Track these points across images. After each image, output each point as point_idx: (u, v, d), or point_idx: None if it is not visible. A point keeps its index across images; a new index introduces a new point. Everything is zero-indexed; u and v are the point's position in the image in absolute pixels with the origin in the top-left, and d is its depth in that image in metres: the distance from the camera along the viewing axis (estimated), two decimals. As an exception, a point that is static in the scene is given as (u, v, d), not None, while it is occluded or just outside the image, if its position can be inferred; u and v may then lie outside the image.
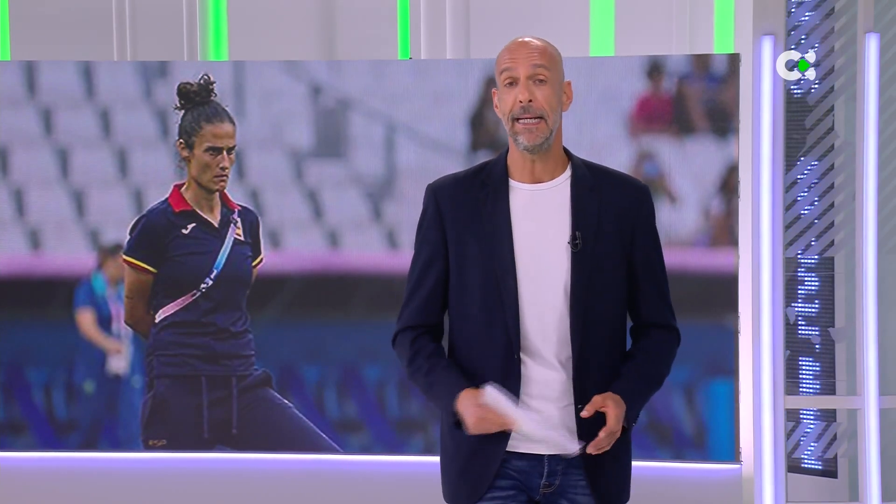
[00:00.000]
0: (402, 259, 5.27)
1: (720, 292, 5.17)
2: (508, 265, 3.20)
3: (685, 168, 5.20)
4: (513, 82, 3.19)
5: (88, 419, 5.47)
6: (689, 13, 5.52)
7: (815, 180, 5.09)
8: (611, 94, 5.20)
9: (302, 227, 5.39)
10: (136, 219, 5.36)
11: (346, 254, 5.38)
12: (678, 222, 5.19)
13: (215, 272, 5.33)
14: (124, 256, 5.35)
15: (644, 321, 3.33)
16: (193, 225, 5.32)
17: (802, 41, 5.05)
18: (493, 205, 3.24)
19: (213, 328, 5.33)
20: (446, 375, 3.24)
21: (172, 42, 5.77)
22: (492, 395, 3.14)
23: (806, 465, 5.18)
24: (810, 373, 5.14)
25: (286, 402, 5.38)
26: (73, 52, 5.69)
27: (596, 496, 3.25)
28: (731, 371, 5.17)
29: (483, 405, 3.14)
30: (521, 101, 3.17)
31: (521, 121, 3.18)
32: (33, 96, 5.43)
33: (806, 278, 5.13)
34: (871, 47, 4.93)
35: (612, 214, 3.25)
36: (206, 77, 5.32)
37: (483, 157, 5.18)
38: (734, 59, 5.15)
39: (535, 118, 3.17)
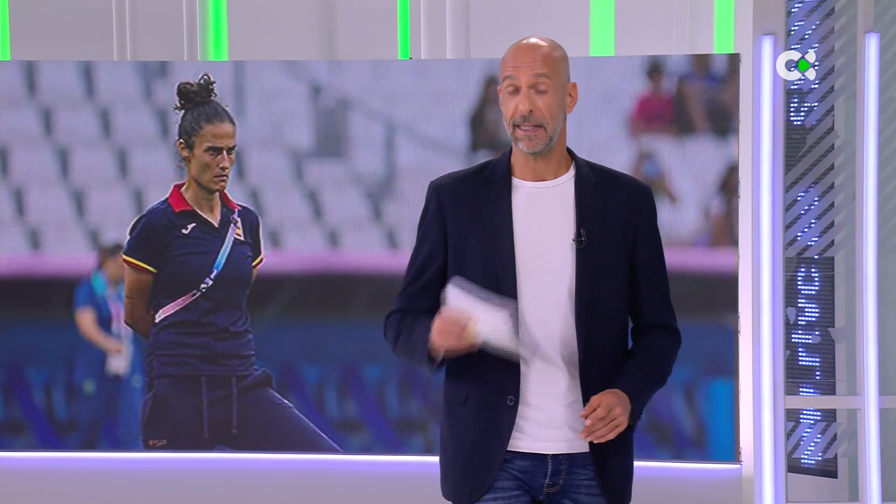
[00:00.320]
0: (402, 259, 5.25)
1: (720, 292, 5.17)
2: (508, 262, 3.21)
3: (685, 168, 5.20)
4: (515, 90, 3.20)
5: (88, 419, 5.47)
6: (689, 13, 5.52)
7: (815, 180, 5.09)
8: (611, 94, 5.20)
9: (302, 227, 5.39)
10: (136, 219, 5.36)
11: (346, 254, 5.38)
12: (678, 222, 5.19)
13: (215, 272, 5.33)
14: (124, 256, 5.35)
15: (645, 321, 3.34)
16: (193, 225, 5.32)
17: (802, 41, 5.05)
18: (495, 202, 3.25)
19: (213, 328, 5.33)
20: (425, 319, 3.22)
21: (172, 42, 5.77)
22: (452, 293, 3.12)
23: (806, 465, 5.18)
24: (810, 373, 5.14)
25: (286, 402, 5.38)
26: (73, 52, 5.69)
27: (605, 495, 3.25)
28: (731, 371, 5.17)
29: (444, 314, 3.12)
30: (521, 111, 3.18)
31: (521, 128, 3.20)
32: (33, 96, 5.43)
33: (806, 278, 5.13)
34: (871, 47, 4.93)
35: (615, 214, 3.26)
36: (206, 77, 5.32)
37: (483, 157, 5.18)
38: (734, 59, 5.15)
39: (534, 126, 3.19)
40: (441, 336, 3.13)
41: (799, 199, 5.10)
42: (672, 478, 5.26)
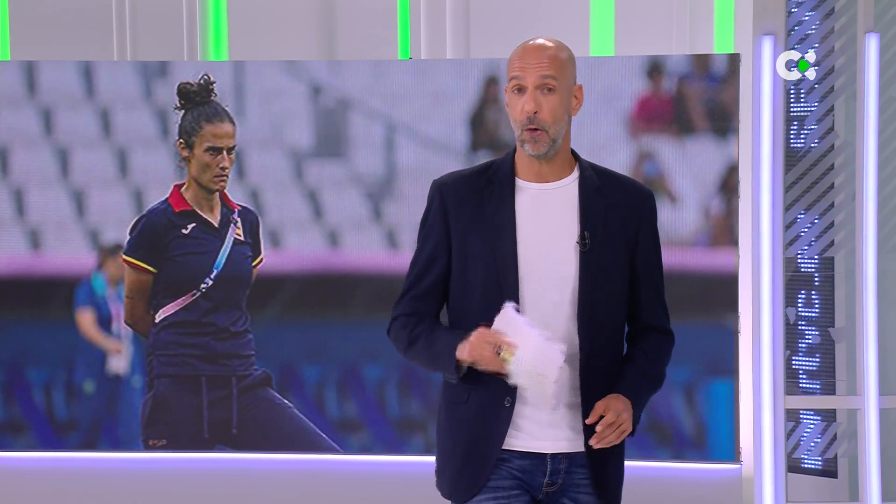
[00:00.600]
0: (402, 259, 5.27)
1: (720, 292, 5.17)
2: (510, 262, 3.21)
3: (685, 168, 5.20)
4: (521, 90, 3.20)
5: (88, 419, 5.47)
6: (689, 13, 5.52)
7: (816, 180, 5.09)
8: (611, 94, 5.20)
9: (302, 227, 5.39)
10: (136, 219, 5.36)
11: (346, 254, 5.38)
12: (678, 222, 5.19)
13: (215, 272, 5.33)
14: (124, 256, 5.35)
15: (642, 324, 3.35)
16: (193, 225, 5.32)
17: (802, 41, 5.05)
18: (498, 202, 3.25)
19: (213, 328, 5.33)
20: (449, 331, 3.24)
21: (172, 42, 5.77)
22: (503, 316, 3.11)
23: (806, 465, 5.18)
24: (810, 373, 5.14)
25: (286, 401, 5.38)
26: (73, 52, 5.69)
27: (599, 495, 3.26)
28: (731, 371, 5.17)
29: (483, 333, 3.12)
30: (527, 112, 3.19)
31: (526, 130, 3.20)
32: (33, 96, 5.43)
33: (806, 278, 5.13)
34: (871, 47, 4.93)
35: (618, 217, 3.26)
36: (206, 77, 5.32)
37: (483, 157, 5.19)
38: (734, 59, 5.15)
39: (538, 130, 3.19)
40: (472, 354, 3.14)
41: (799, 199, 5.10)
42: (672, 478, 5.26)
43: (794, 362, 5.14)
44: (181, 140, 5.31)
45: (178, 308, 5.33)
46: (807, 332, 5.14)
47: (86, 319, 5.44)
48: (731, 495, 5.20)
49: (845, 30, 5.03)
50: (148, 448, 5.39)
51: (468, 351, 3.15)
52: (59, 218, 5.42)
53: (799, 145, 5.10)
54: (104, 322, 5.45)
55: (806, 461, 5.18)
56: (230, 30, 5.78)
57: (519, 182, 3.27)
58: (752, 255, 5.01)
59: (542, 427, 3.24)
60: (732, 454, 5.19)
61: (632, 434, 3.25)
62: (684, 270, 5.15)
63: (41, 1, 5.84)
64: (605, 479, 3.27)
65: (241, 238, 5.34)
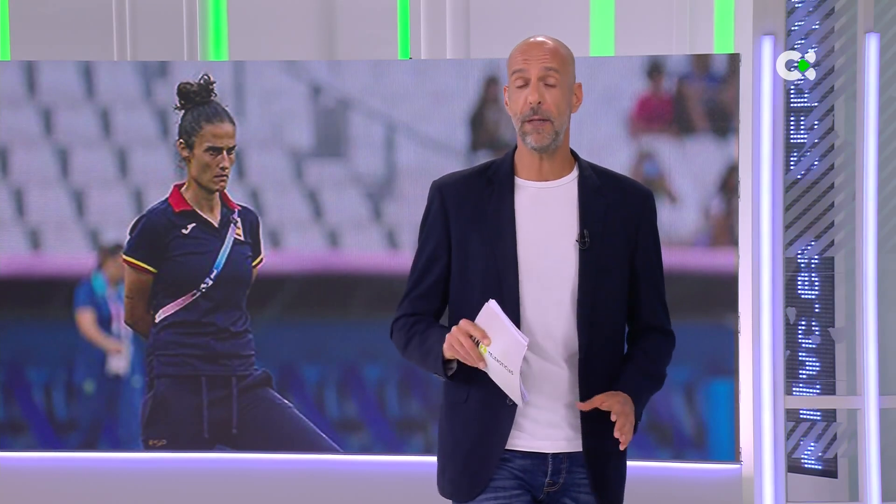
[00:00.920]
0: (402, 259, 5.27)
1: (720, 292, 5.17)
2: (510, 260, 3.21)
3: (685, 168, 5.20)
4: (524, 83, 3.21)
5: (88, 419, 5.47)
6: (689, 13, 5.52)
7: (815, 180, 5.09)
8: (611, 94, 5.20)
9: (302, 227, 5.39)
10: (136, 219, 5.36)
11: (346, 254, 5.38)
12: (678, 222, 5.19)
13: (215, 272, 5.33)
14: (124, 256, 5.35)
15: (642, 324, 3.36)
16: (193, 225, 5.32)
17: (802, 41, 5.05)
18: (498, 201, 3.25)
19: (213, 328, 5.33)
20: (440, 328, 3.24)
21: (172, 42, 5.77)
22: (484, 312, 3.11)
23: (806, 465, 5.18)
24: (810, 373, 5.14)
25: (286, 402, 5.38)
26: (73, 52, 5.69)
27: (598, 495, 3.26)
28: (731, 371, 5.17)
29: (461, 326, 3.12)
30: (530, 103, 3.19)
31: (529, 122, 3.20)
32: (33, 96, 5.43)
33: (806, 278, 5.14)
34: (871, 47, 4.93)
35: (618, 217, 3.27)
36: (206, 77, 5.32)
37: (483, 157, 5.19)
38: (734, 59, 5.15)
39: (542, 120, 3.19)
40: (451, 348, 3.14)
41: (799, 199, 5.10)
42: (672, 478, 5.26)
43: (801, 356, 5.15)
44: (181, 140, 5.31)
45: (178, 308, 5.33)
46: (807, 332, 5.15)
47: (86, 319, 5.44)
48: (731, 495, 5.20)
49: (845, 30, 5.03)
50: (148, 448, 5.39)
51: (447, 343, 3.15)
52: (59, 218, 5.42)
53: (799, 140, 5.10)
54: (104, 322, 5.45)
55: (806, 461, 5.18)
56: (230, 30, 5.78)
57: (518, 181, 3.28)
58: (752, 255, 5.01)
59: (543, 427, 3.24)
60: (732, 454, 5.19)
61: (634, 431, 3.25)
62: (684, 270, 5.15)
63: (41, 1, 5.84)
64: (605, 479, 3.27)
65: (241, 238, 5.34)
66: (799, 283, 5.14)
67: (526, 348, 3.07)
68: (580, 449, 3.24)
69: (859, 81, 4.96)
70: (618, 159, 5.13)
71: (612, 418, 3.17)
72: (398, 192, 5.34)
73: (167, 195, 5.34)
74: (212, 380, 5.34)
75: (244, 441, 5.37)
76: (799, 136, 5.10)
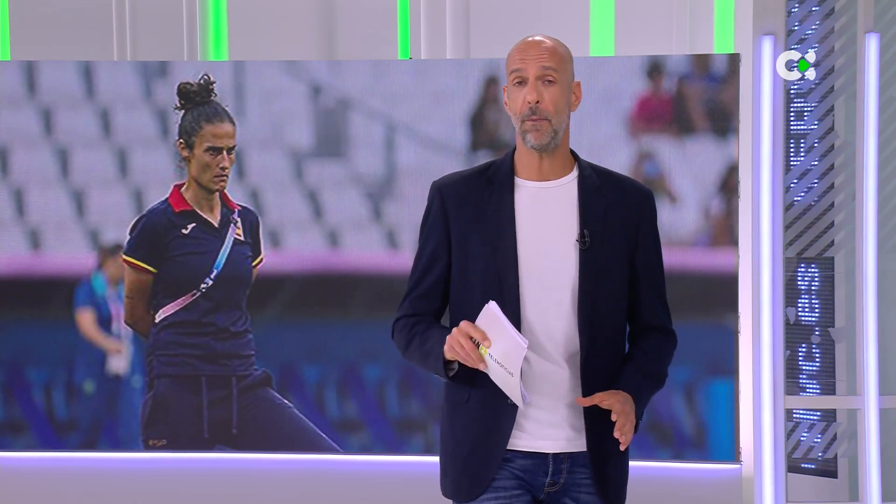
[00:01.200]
0: (402, 259, 5.27)
1: (720, 292, 5.17)
2: (510, 260, 3.21)
3: (685, 168, 5.20)
4: (522, 82, 3.21)
5: (88, 419, 5.47)
6: (689, 13, 5.52)
7: (815, 180, 5.09)
8: (611, 94, 5.20)
9: (302, 227, 5.39)
10: (136, 219, 5.36)
11: (346, 254, 5.38)
12: (678, 222, 5.19)
13: (215, 272, 5.33)
14: (124, 256, 5.35)
15: (643, 324, 3.36)
16: (193, 225, 5.32)
17: (802, 41, 5.05)
18: (498, 201, 3.25)
19: (213, 328, 5.33)
20: (441, 329, 3.24)
21: (172, 42, 5.77)
22: (485, 313, 3.12)
23: (806, 465, 5.18)
24: (810, 373, 5.14)
25: (286, 402, 5.38)
26: (73, 52, 5.69)
27: (601, 495, 3.26)
28: (731, 371, 5.17)
29: (462, 328, 3.12)
30: (529, 102, 3.19)
31: (528, 121, 3.20)
32: (33, 96, 5.43)
33: (806, 278, 5.14)
34: (871, 47, 4.93)
35: (618, 217, 3.27)
36: (206, 77, 5.32)
37: (483, 157, 5.19)
38: (734, 59, 5.15)
39: (541, 119, 3.19)
40: (451, 349, 3.14)
41: (799, 199, 5.10)
42: (672, 478, 5.26)
43: (800, 361, 5.15)
44: (181, 140, 5.31)
45: (178, 308, 5.33)
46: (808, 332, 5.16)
47: (86, 319, 5.44)
48: (731, 495, 5.20)
49: (845, 30, 5.03)
50: (148, 448, 5.39)
51: (447, 345, 3.15)
52: (59, 218, 5.42)
53: (799, 135, 5.10)
54: (104, 322, 5.45)
55: (806, 461, 5.18)
56: (230, 30, 5.78)
57: (518, 181, 3.28)
58: (752, 255, 5.01)
59: (544, 426, 3.24)
60: (732, 454, 5.19)
61: (634, 430, 3.25)
62: (684, 270, 5.15)
63: (41, 1, 5.84)
64: (607, 478, 3.27)
65: (241, 238, 5.34)
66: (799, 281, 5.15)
67: (526, 350, 3.07)
68: (581, 449, 3.24)
69: (859, 81, 4.96)
70: (618, 159, 5.13)
71: (613, 418, 3.17)
72: (398, 192, 5.34)
73: (167, 195, 5.34)
74: (212, 380, 5.34)
75: (244, 441, 5.37)
76: (799, 136, 5.10)
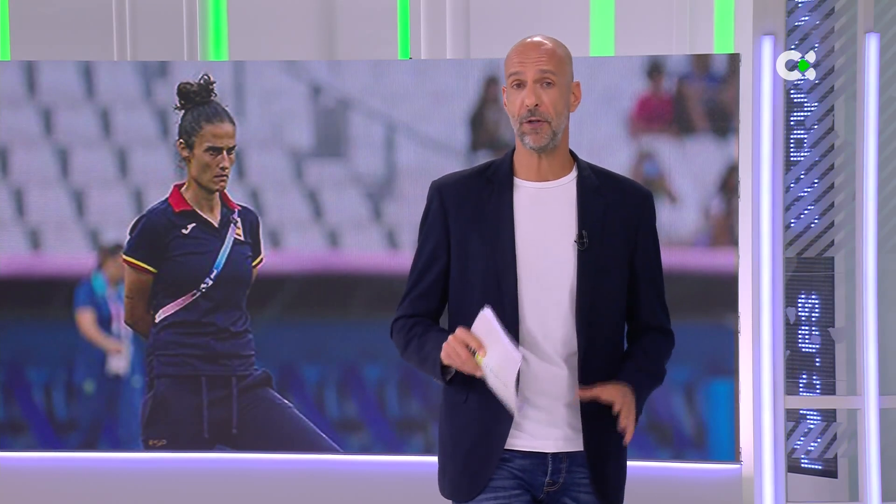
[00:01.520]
0: (402, 259, 5.27)
1: (720, 292, 5.17)
2: (509, 260, 3.21)
3: (685, 168, 5.20)
4: (520, 84, 3.21)
5: (88, 419, 5.47)
6: (689, 13, 5.52)
7: (816, 180, 5.09)
8: (611, 94, 5.20)
9: (302, 227, 5.39)
10: (136, 219, 5.36)
11: (346, 254, 5.38)
12: (678, 222, 5.19)
13: (215, 272, 5.33)
14: (124, 256, 5.35)
15: (642, 325, 3.36)
16: (193, 225, 5.32)
17: (802, 41, 5.05)
18: (497, 201, 3.25)
19: (213, 328, 5.33)
20: (439, 333, 3.25)
21: (172, 42, 5.77)
22: (480, 319, 3.12)
23: (806, 465, 5.18)
24: (810, 373, 5.14)
25: (286, 402, 5.38)
26: (73, 52, 5.69)
27: (599, 494, 3.26)
28: (731, 371, 5.17)
29: (458, 335, 3.13)
30: (527, 105, 3.19)
31: (527, 123, 3.20)
32: (33, 96, 5.43)
33: (806, 278, 5.14)
34: (871, 47, 4.93)
35: (617, 218, 3.27)
36: (206, 77, 5.32)
37: (483, 157, 5.19)
38: (734, 59, 5.15)
39: (540, 121, 3.19)
40: (447, 355, 3.15)
41: (799, 199, 5.10)
42: (672, 478, 5.26)
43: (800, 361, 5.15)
44: (181, 140, 5.31)
45: (178, 308, 5.33)
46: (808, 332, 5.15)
47: (86, 319, 5.44)
48: (731, 495, 5.20)
49: (845, 30, 5.03)
50: (148, 448, 5.39)
51: (444, 351, 3.16)
52: (59, 218, 5.42)
53: (800, 143, 5.10)
54: (104, 322, 5.45)
55: (806, 461, 5.18)
56: (230, 30, 5.78)
57: (517, 181, 3.28)
58: (752, 255, 5.01)
59: (543, 426, 3.24)
60: (732, 454, 5.19)
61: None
62: (684, 270, 5.15)
63: (41, 1, 5.84)
64: (605, 478, 3.27)
65: (241, 238, 5.34)
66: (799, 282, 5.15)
67: (519, 364, 3.09)
68: (580, 448, 3.24)
69: (859, 81, 4.96)
70: (618, 159, 5.13)
71: (616, 409, 3.17)
72: (398, 192, 5.34)
73: (167, 195, 5.34)
74: (212, 380, 5.34)
75: (244, 441, 5.37)
76: (799, 137, 5.10)
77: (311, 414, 5.39)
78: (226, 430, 5.36)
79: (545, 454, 3.25)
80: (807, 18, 5.06)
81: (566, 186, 3.28)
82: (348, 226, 5.38)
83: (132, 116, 5.41)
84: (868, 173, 4.95)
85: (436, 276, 3.30)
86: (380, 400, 5.42)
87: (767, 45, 4.95)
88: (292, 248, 5.39)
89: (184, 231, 5.32)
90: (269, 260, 5.37)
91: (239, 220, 5.34)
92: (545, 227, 3.24)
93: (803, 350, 5.14)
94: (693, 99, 5.20)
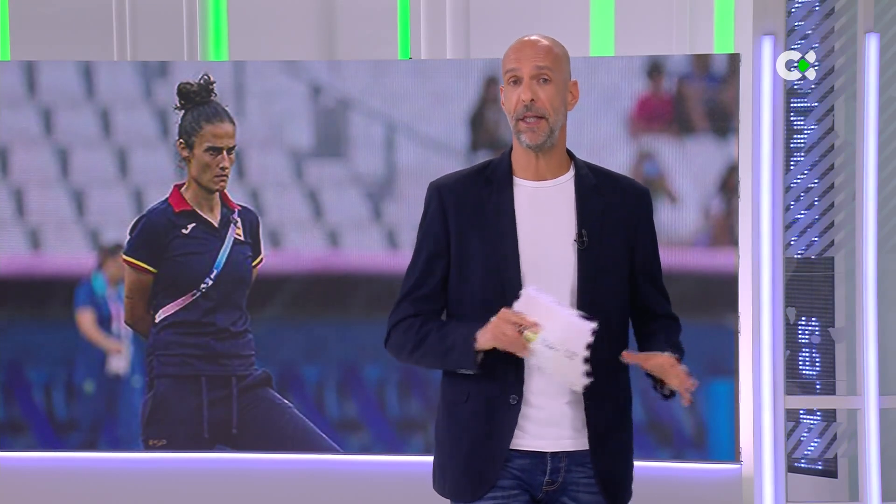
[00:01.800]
0: (402, 259, 5.26)
1: (720, 292, 5.17)
2: (512, 259, 3.21)
3: (685, 168, 5.20)
4: (517, 81, 3.21)
5: (88, 419, 5.47)
6: (689, 13, 5.52)
7: (816, 180, 5.09)
8: (611, 94, 5.20)
9: (302, 227, 5.39)
10: (136, 219, 5.36)
11: (346, 254, 5.38)
12: (678, 222, 5.19)
13: (215, 272, 5.33)
14: (124, 256, 5.35)
15: (650, 315, 3.38)
16: (193, 225, 5.32)
17: (802, 41, 5.05)
18: (496, 200, 3.25)
19: (213, 328, 5.33)
20: (462, 323, 3.21)
21: (172, 42, 5.77)
22: (528, 297, 3.08)
23: (806, 465, 5.18)
24: (810, 373, 5.14)
25: (286, 402, 5.38)
26: (73, 52, 5.69)
27: (604, 493, 3.25)
28: (731, 371, 5.17)
29: (505, 315, 3.10)
30: (523, 101, 3.19)
31: (524, 120, 3.20)
32: (33, 96, 5.43)
33: (806, 278, 5.14)
34: (871, 47, 4.93)
35: (615, 216, 3.27)
36: (206, 77, 5.32)
37: (483, 157, 5.18)
38: (734, 59, 5.15)
39: (536, 117, 3.19)
40: (495, 336, 3.11)
41: (799, 199, 5.10)
42: (672, 478, 5.26)
43: (800, 361, 5.15)
44: (181, 140, 5.31)
45: (178, 308, 5.33)
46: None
47: (86, 319, 5.44)
48: (731, 495, 5.20)
49: (845, 30, 5.03)
50: (148, 448, 5.39)
51: (490, 333, 3.12)
52: (59, 218, 5.42)
53: (800, 140, 5.10)
54: (104, 322, 5.45)
55: (806, 461, 5.18)
56: (230, 30, 5.78)
57: (516, 180, 3.28)
58: (752, 255, 5.01)
59: (544, 425, 3.23)
60: (732, 454, 5.19)
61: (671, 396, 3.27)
62: (684, 270, 5.15)
63: (41, 1, 5.84)
64: (611, 475, 3.27)
65: (241, 238, 5.34)
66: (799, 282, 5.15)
67: (591, 333, 3.07)
68: (581, 447, 3.24)
69: (859, 81, 4.96)
70: (618, 159, 5.13)
71: (668, 368, 3.17)
72: (398, 192, 5.34)
73: (167, 195, 5.34)
74: (212, 380, 5.34)
75: (244, 441, 5.37)
76: (799, 136, 5.10)
77: (311, 414, 5.39)
78: (226, 430, 5.36)
79: (544, 454, 3.24)
80: (807, 18, 5.06)
81: (564, 185, 3.28)
82: (348, 226, 5.38)
83: (132, 116, 5.41)
84: (868, 173, 4.95)
85: (438, 277, 3.29)
86: (380, 400, 5.42)
87: (767, 45, 4.95)
88: (292, 248, 5.40)
89: (184, 231, 5.32)
90: (269, 260, 5.37)
91: (239, 220, 5.34)
92: (545, 227, 3.24)
93: (803, 349, 5.14)
94: (693, 99, 5.20)
